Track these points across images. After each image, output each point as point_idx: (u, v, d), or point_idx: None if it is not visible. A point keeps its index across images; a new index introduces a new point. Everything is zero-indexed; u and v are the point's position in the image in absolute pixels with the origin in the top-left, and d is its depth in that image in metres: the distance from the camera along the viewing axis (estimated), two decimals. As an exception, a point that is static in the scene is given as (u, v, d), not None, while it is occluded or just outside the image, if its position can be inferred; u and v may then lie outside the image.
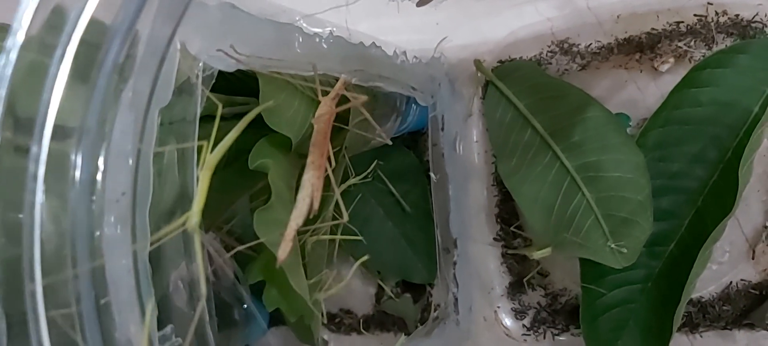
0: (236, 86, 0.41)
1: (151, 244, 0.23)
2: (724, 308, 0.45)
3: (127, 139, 0.22)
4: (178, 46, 0.25)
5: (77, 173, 0.21)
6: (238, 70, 0.29)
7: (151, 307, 0.21)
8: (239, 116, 0.42)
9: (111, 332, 0.21)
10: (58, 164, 0.21)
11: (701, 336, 0.46)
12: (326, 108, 0.31)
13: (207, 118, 0.30)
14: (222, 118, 0.42)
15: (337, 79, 0.35)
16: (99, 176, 0.22)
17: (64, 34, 0.21)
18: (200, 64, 0.27)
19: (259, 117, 0.37)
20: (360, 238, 0.49)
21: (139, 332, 0.21)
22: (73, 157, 0.21)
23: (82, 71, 0.21)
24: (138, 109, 0.23)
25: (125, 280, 0.21)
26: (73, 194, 0.21)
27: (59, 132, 0.21)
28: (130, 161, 0.23)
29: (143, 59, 0.22)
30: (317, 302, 0.43)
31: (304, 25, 0.32)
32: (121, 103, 0.22)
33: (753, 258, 0.45)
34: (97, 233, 0.22)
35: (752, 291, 0.45)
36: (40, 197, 0.20)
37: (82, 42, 0.21)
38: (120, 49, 0.22)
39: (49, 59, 0.21)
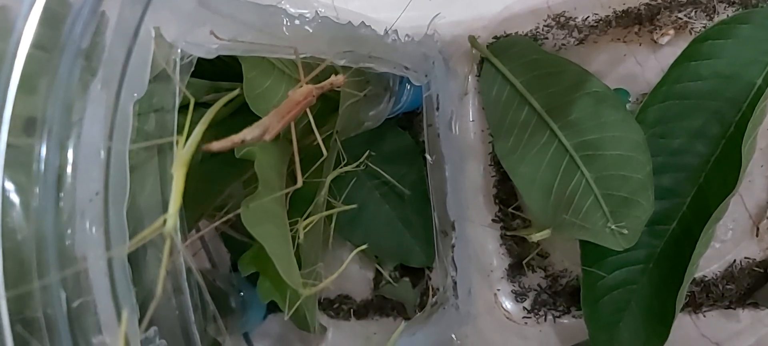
0: (222, 70, 0.40)
1: (131, 245, 0.22)
2: (728, 286, 0.44)
3: (99, 133, 0.21)
4: (153, 34, 0.23)
5: (42, 166, 0.20)
6: (222, 55, 0.28)
7: (126, 312, 0.20)
8: (225, 103, 0.41)
9: (88, 340, 0.20)
10: (20, 156, 0.20)
11: (704, 316, 0.45)
12: (306, 91, 0.29)
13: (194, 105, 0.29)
14: (206, 104, 0.40)
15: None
16: (68, 170, 0.21)
17: (21, 14, 0.19)
18: (178, 52, 0.25)
19: (246, 103, 0.35)
20: (353, 207, 0.48)
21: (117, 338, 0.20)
22: (37, 148, 0.20)
23: (43, 53, 0.20)
24: (108, 100, 0.21)
25: (101, 284, 0.20)
26: (39, 189, 0.20)
27: (23, 122, 0.20)
28: (102, 155, 0.21)
29: (112, 47, 0.21)
30: (312, 295, 0.42)
31: (289, 6, 0.31)
32: (90, 94, 0.21)
33: (757, 235, 0.44)
34: (68, 231, 0.20)
35: (756, 269, 0.44)
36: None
37: (43, 21, 0.20)
38: (84, 30, 0.21)
39: (4, 43, 0.20)
